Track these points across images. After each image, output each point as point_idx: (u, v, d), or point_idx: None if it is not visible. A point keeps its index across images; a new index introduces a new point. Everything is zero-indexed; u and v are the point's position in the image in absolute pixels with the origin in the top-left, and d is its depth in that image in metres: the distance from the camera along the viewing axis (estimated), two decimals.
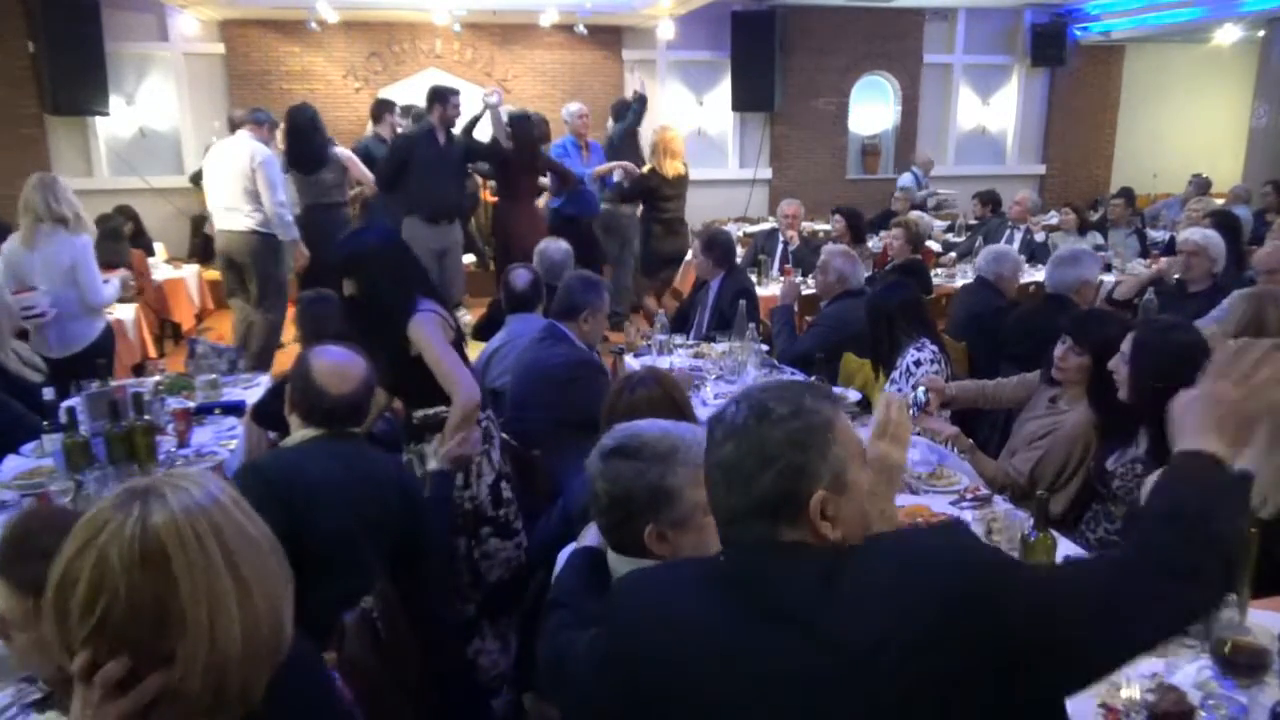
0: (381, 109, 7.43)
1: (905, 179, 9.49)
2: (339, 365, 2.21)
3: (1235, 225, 5.60)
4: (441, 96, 6.03)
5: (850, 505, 1.18)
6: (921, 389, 3.08)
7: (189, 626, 1.00)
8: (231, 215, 5.55)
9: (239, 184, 5.48)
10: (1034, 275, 6.02)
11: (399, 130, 7.12)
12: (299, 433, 2.23)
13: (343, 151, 6.46)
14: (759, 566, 1.16)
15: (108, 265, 6.37)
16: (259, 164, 5.46)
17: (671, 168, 6.57)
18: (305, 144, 6.05)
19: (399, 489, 2.26)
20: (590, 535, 1.77)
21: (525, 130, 6.37)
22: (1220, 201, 7.94)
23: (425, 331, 2.66)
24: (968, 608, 1.06)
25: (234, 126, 6.26)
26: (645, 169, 6.62)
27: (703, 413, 3.41)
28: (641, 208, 6.95)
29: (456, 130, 6.17)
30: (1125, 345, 2.48)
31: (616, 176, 6.68)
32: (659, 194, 6.60)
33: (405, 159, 5.97)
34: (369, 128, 7.69)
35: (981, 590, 1.08)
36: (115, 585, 0.98)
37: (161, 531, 1.00)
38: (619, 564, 1.59)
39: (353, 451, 2.21)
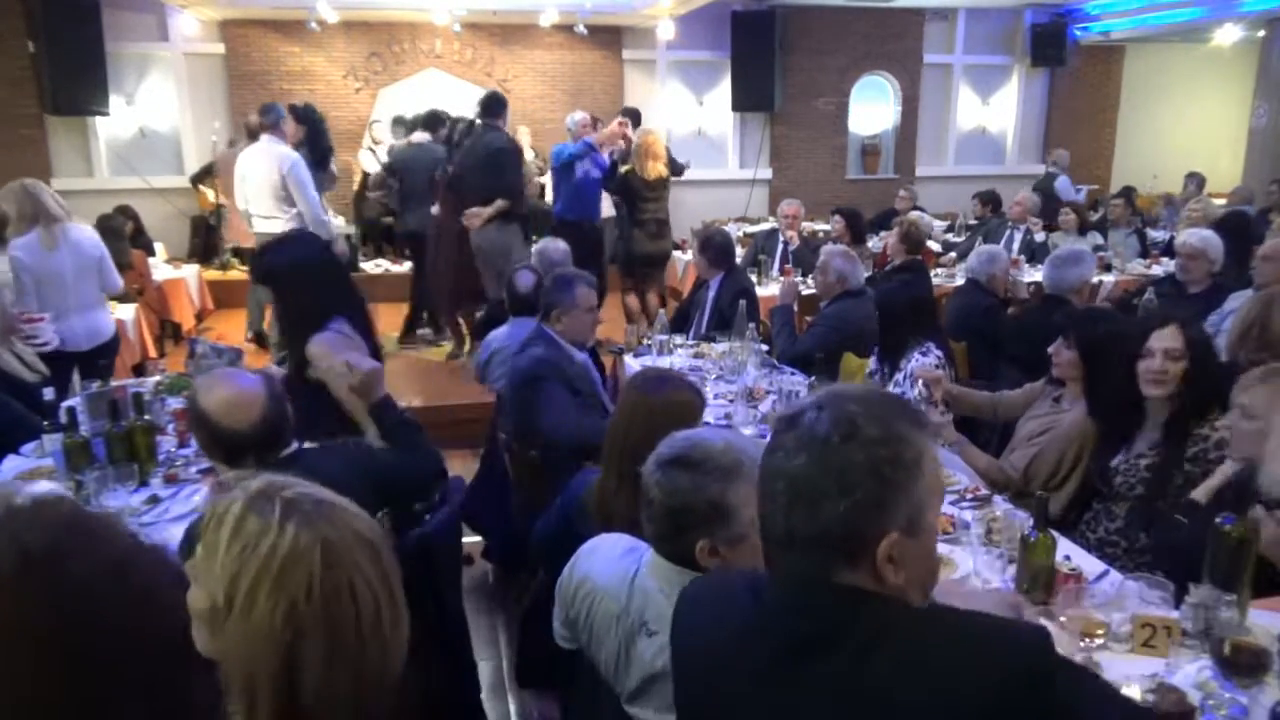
0: (436, 122, 7.44)
1: (1062, 183, 9.26)
2: (236, 396, 2.02)
3: (1245, 227, 5.55)
4: (505, 102, 6.25)
5: (920, 550, 1.06)
6: (921, 383, 3.09)
7: (370, 658, 0.98)
8: (269, 221, 5.63)
9: (271, 191, 5.56)
10: (1034, 275, 6.02)
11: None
12: (229, 475, 2.06)
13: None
14: (810, 612, 1.07)
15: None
16: (288, 170, 5.55)
17: (653, 169, 6.60)
18: (318, 143, 6.22)
19: (366, 480, 2.14)
20: (601, 553, 1.75)
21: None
22: (1221, 201, 7.93)
23: (317, 350, 2.62)
24: (1022, 699, 0.99)
25: (252, 132, 6.26)
26: (625, 169, 6.64)
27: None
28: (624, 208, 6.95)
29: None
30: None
31: (616, 148, 6.65)
32: (639, 195, 6.63)
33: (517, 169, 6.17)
34: (402, 135, 7.72)
35: (1040, 687, 1.00)
36: (372, 598, 0.96)
37: (364, 531, 0.98)
38: (664, 570, 1.58)
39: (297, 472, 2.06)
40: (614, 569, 1.68)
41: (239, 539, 0.98)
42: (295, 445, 2.15)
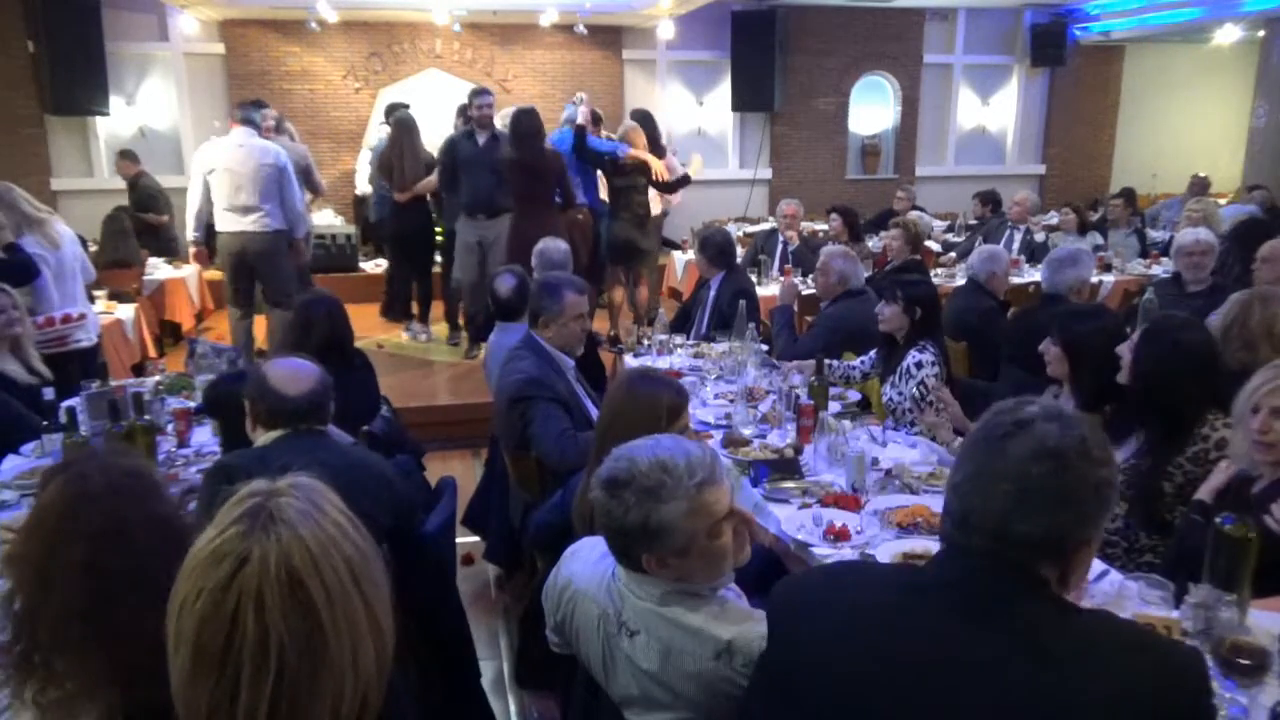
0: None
1: None
2: (292, 368, 2.28)
3: (1265, 230, 5.36)
4: (469, 99, 6.33)
5: (1089, 561, 1.17)
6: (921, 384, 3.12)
7: (333, 662, 0.96)
8: (247, 216, 5.46)
9: (259, 184, 5.41)
10: (1034, 275, 6.02)
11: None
12: (263, 438, 2.25)
13: None
14: (1004, 589, 1.12)
15: (119, 264, 6.46)
16: (284, 164, 5.48)
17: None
18: None
19: (381, 478, 2.26)
20: (581, 555, 1.76)
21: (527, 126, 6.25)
22: (1222, 201, 7.93)
23: None
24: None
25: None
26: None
27: (702, 413, 3.41)
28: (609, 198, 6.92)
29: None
30: (1135, 335, 2.58)
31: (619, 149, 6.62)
32: (617, 184, 6.63)
33: (452, 159, 6.26)
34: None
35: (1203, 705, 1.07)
36: (279, 629, 0.93)
37: (301, 568, 0.95)
38: (633, 579, 1.58)
39: (318, 444, 2.23)
40: (592, 571, 1.69)
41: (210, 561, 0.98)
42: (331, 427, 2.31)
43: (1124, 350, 2.57)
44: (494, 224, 6.19)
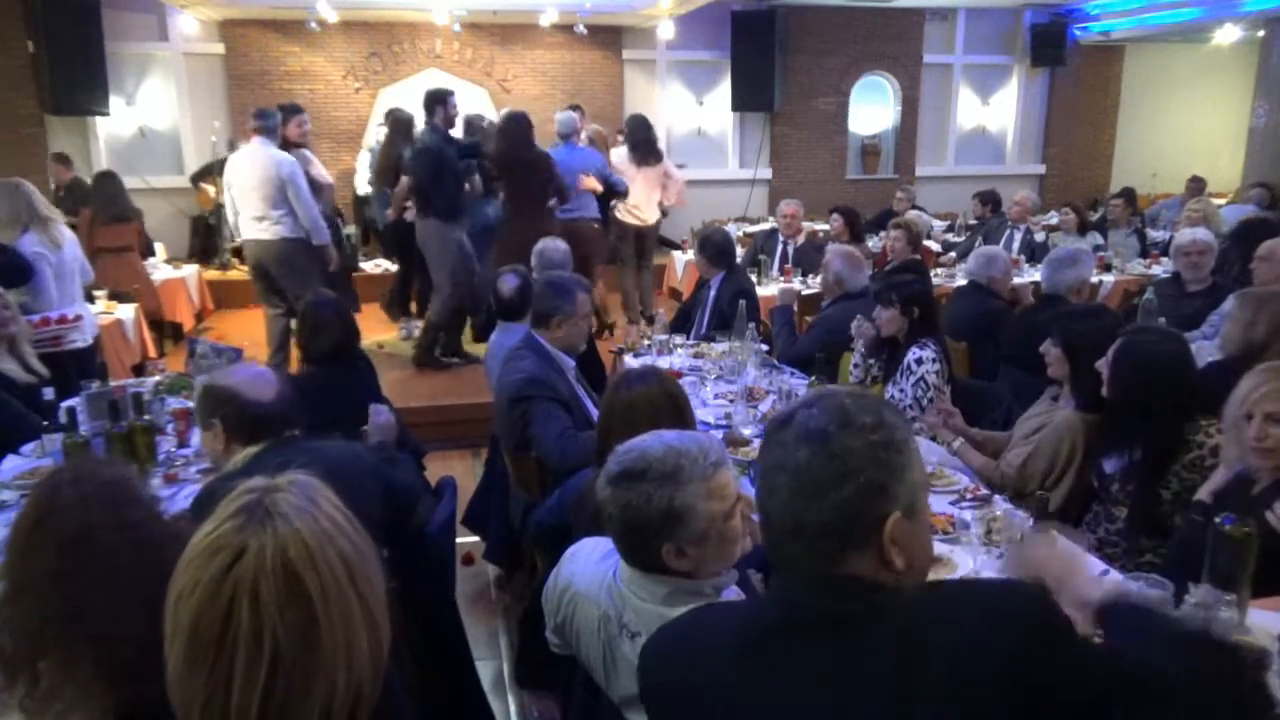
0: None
1: None
2: (256, 375, 2.24)
3: (1267, 230, 5.35)
4: (441, 99, 6.14)
5: (918, 533, 1.11)
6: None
7: (326, 655, 0.97)
8: (260, 225, 5.54)
9: (265, 193, 5.46)
10: (1034, 275, 6.02)
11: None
12: (239, 455, 2.14)
13: None
14: (806, 597, 1.08)
15: (118, 219, 6.51)
16: (288, 174, 5.49)
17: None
18: None
19: (374, 475, 2.23)
20: (582, 557, 1.76)
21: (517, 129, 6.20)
22: (1221, 201, 7.93)
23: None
24: (1022, 677, 1.00)
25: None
26: None
27: (702, 413, 3.41)
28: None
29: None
30: (1111, 348, 2.55)
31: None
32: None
33: (439, 168, 6.02)
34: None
35: (1038, 663, 1.01)
36: (274, 620, 0.95)
37: (297, 561, 0.96)
38: (637, 575, 1.58)
39: (303, 448, 2.14)
40: (593, 572, 1.69)
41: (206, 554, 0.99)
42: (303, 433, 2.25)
43: (1102, 366, 2.57)
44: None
